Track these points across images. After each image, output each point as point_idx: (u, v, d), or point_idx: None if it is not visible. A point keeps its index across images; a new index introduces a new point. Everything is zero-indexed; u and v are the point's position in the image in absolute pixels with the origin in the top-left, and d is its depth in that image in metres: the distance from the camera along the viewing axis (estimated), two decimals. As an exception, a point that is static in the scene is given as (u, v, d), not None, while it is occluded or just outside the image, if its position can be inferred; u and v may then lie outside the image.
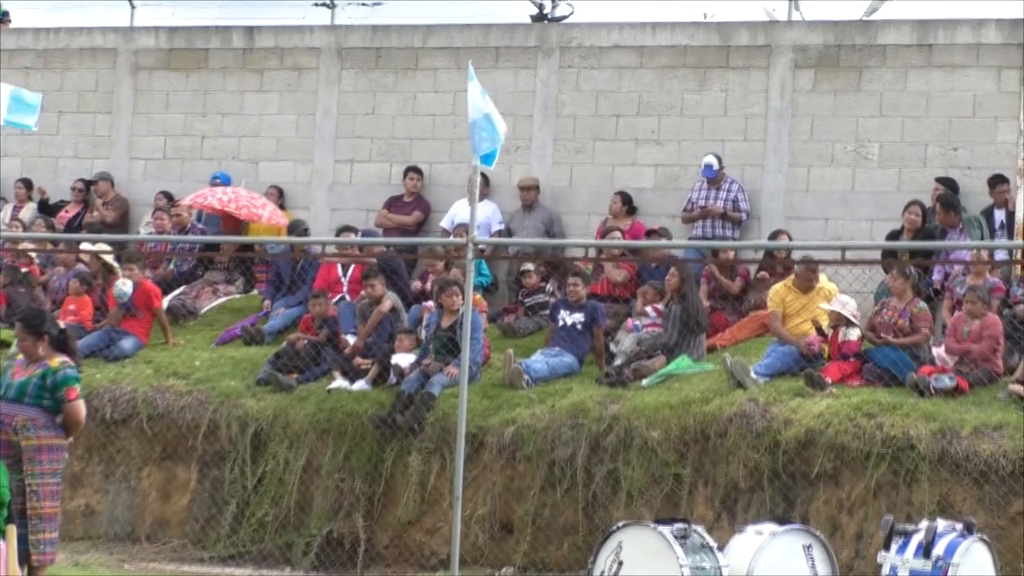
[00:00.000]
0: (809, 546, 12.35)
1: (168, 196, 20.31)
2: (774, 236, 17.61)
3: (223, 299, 19.29)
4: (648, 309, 17.04)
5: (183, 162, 20.86)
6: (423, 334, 16.93)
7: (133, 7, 21.54)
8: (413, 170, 19.61)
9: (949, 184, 17.59)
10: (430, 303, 17.33)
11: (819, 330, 15.84)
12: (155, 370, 17.27)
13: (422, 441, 15.74)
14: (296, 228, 18.95)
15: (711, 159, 18.21)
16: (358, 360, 16.92)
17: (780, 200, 18.44)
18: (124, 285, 17.81)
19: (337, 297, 18.27)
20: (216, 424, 16.51)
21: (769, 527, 12.48)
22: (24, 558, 11.39)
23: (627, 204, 18.70)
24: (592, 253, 18.01)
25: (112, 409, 16.86)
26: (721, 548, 12.28)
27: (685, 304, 16.38)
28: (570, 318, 16.63)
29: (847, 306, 15.68)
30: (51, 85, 21.05)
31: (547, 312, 17.52)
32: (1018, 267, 16.25)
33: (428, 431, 15.75)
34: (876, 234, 17.80)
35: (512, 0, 24.62)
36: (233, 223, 19.45)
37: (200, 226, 19.89)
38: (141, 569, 15.59)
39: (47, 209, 20.99)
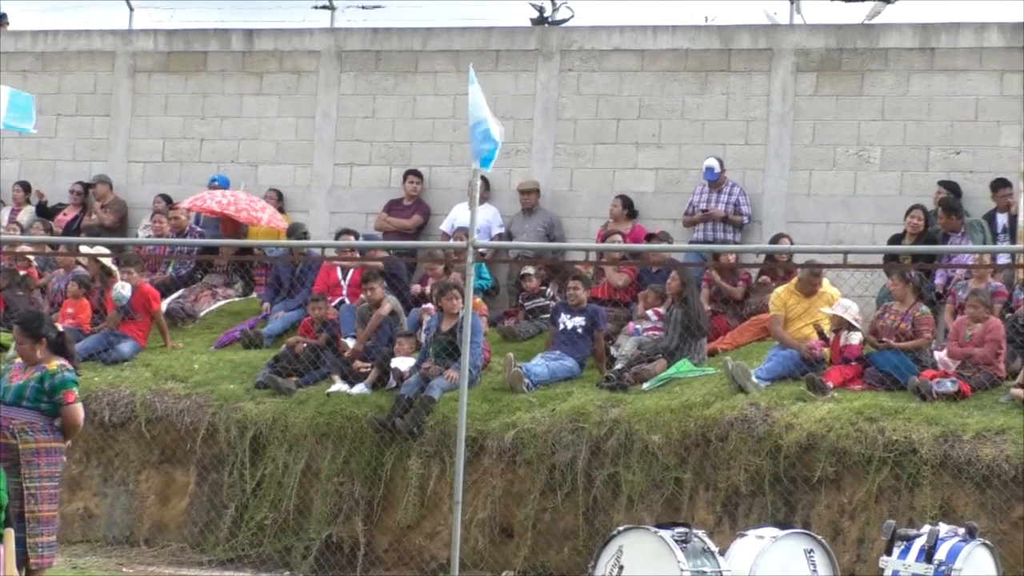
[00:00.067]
0: (811, 551, 12.32)
1: (167, 199, 20.27)
2: (775, 240, 17.58)
3: (222, 302, 19.27)
4: (649, 313, 17.01)
5: (182, 165, 20.82)
6: (423, 337, 16.91)
7: (132, 9, 21.50)
8: (413, 173, 19.58)
9: (951, 188, 17.57)
10: (430, 306, 17.29)
11: (821, 334, 15.81)
12: (154, 373, 17.24)
13: (422, 445, 15.72)
14: (295, 231, 18.92)
15: (712, 162, 18.19)
16: (357, 363, 16.89)
17: (781, 204, 18.41)
18: (122, 288, 17.78)
19: (337, 300, 18.24)
20: (215, 427, 16.48)
21: (770, 531, 12.44)
22: (22, 561, 11.35)
23: (628, 208, 18.67)
24: (593, 257, 17.99)
25: (110, 412, 16.83)
26: (722, 552, 12.27)
27: (686, 308, 16.36)
28: (571, 322, 16.60)
29: (849, 310, 15.65)
30: (49, 88, 21.04)
31: (547, 316, 17.50)
32: (1020, 271, 16.24)
33: (428, 435, 15.73)
34: (878, 238, 17.78)
35: (512, 3, 24.58)
36: (232, 226, 19.41)
37: (199, 229, 19.84)
38: (139, 572, 15.57)
39: (45, 212, 20.95)
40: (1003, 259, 16.74)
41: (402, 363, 16.49)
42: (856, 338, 15.57)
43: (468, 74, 13.96)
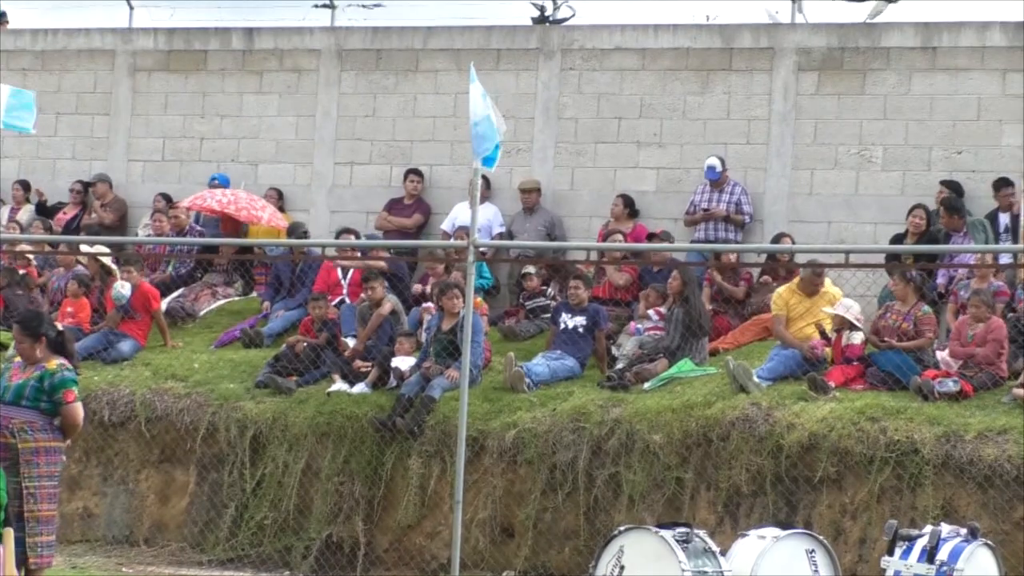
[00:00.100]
0: (812, 551, 12.30)
1: (167, 198, 20.25)
2: (777, 239, 17.57)
3: (222, 301, 19.25)
4: (650, 312, 16.98)
5: (182, 164, 20.80)
6: (423, 337, 16.89)
7: (132, 8, 21.48)
8: (413, 172, 19.56)
9: (953, 187, 17.55)
10: (430, 305, 17.27)
11: (823, 334, 15.79)
12: (153, 372, 17.22)
13: (422, 444, 15.71)
14: (295, 230, 18.90)
15: (714, 161, 18.18)
16: (358, 363, 16.87)
17: (783, 203, 18.39)
18: (122, 287, 17.76)
19: (337, 299, 18.22)
20: (215, 427, 16.47)
21: (772, 531, 12.43)
22: (21, 561, 11.34)
23: (629, 207, 18.65)
24: (594, 256, 17.99)
25: (110, 412, 16.81)
26: (723, 553, 12.25)
27: (687, 307, 16.34)
28: (571, 321, 16.58)
29: (851, 310, 15.63)
30: (49, 86, 21.00)
31: (548, 315, 17.48)
32: (1022, 271, 16.20)
33: (428, 434, 15.71)
34: (880, 237, 17.76)
35: (513, 1, 24.57)
36: (232, 225, 19.38)
37: (199, 228, 19.82)
38: (139, 572, 15.56)
39: (45, 211, 20.93)
40: (1005, 259, 16.72)
41: (402, 362, 16.47)
42: (858, 338, 15.55)
43: (469, 73, 13.93)
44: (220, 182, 20.01)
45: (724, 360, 15.77)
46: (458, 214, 18.86)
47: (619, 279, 17.89)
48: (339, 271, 18.55)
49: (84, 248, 18.13)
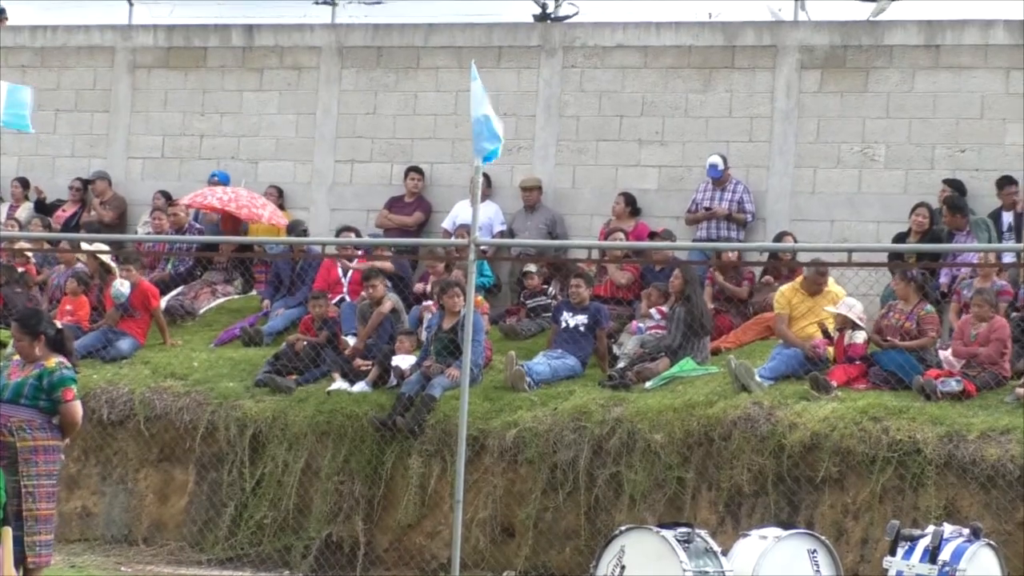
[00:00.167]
0: (814, 551, 12.29)
1: (166, 196, 20.23)
2: (779, 238, 17.52)
3: (222, 299, 19.23)
4: (652, 311, 16.94)
5: (181, 162, 20.78)
6: (424, 335, 16.88)
7: (131, 5, 21.49)
8: (414, 170, 19.53)
9: (956, 186, 17.52)
10: (431, 304, 17.24)
11: (825, 333, 15.75)
12: (153, 371, 17.21)
13: (422, 444, 15.68)
14: (295, 228, 18.88)
15: (716, 159, 18.16)
16: (358, 362, 16.85)
17: (785, 202, 18.37)
18: (122, 285, 17.74)
19: (337, 298, 18.19)
20: (214, 426, 16.44)
21: (773, 532, 12.41)
22: (20, 560, 11.34)
23: (630, 205, 18.63)
24: (595, 254, 17.96)
25: (109, 410, 16.79)
26: (725, 553, 12.24)
27: (689, 306, 16.31)
28: (573, 320, 16.55)
29: (853, 309, 15.60)
30: (48, 83, 20.99)
31: (549, 314, 17.45)
32: (1026, 270, 16.20)
33: (429, 433, 15.69)
34: (882, 236, 17.73)
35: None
36: (232, 223, 19.35)
37: (198, 226, 19.79)
38: (138, 572, 15.54)
39: (44, 208, 20.92)
40: (1008, 258, 16.71)
41: (403, 361, 16.45)
42: (860, 337, 15.52)
43: (470, 70, 13.90)
44: (220, 179, 19.99)
45: (726, 359, 15.75)
46: (459, 212, 18.82)
47: (621, 278, 17.86)
48: (339, 269, 18.51)
49: (83, 246, 18.09)
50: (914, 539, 11.89)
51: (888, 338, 15.47)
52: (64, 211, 20.80)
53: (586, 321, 16.54)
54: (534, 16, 20.45)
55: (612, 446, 15.16)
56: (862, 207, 18.12)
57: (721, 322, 17.19)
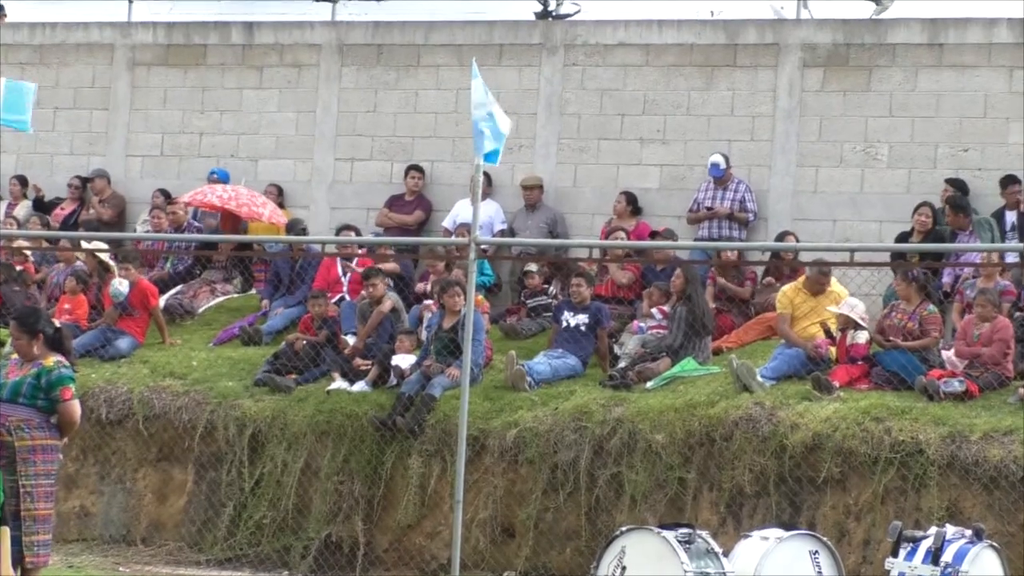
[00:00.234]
0: (816, 552, 12.31)
1: (165, 194, 20.20)
2: (781, 238, 17.48)
3: (221, 298, 19.21)
4: (653, 311, 16.90)
5: (181, 160, 20.75)
6: (424, 335, 16.85)
7: (131, 2, 21.48)
8: (414, 169, 19.50)
9: (958, 186, 17.48)
10: (431, 303, 17.21)
11: (827, 333, 15.72)
12: (151, 370, 17.19)
13: (422, 443, 15.66)
14: (294, 227, 18.85)
15: (718, 158, 18.12)
16: (358, 361, 16.82)
17: (788, 201, 18.33)
18: (120, 284, 17.72)
19: (337, 297, 18.15)
20: (213, 425, 16.42)
21: (775, 532, 12.42)
22: (18, 560, 11.32)
23: (632, 204, 18.60)
24: (596, 254, 17.93)
25: (108, 409, 16.78)
26: (726, 554, 12.27)
27: (691, 306, 16.28)
28: (574, 319, 16.52)
29: (855, 309, 15.58)
30: (47, 80, 20.92)
31: (550, 313, 17.42)
32: (1029, 270, 16.17)
33: (429, 433, 15.67)
34: (885, 236, 17.70)
35: (516, -3, 24.60)
36: (232, 221, 19.31)
37: (196, 224, 19.76)
38: (136, 572, 15.55)
39: (42, 206, 20.90)
40: (1011, 258, 16.67)
41: (403, 361, 16.42)
42: (863, 337, 15.50)
43: (471, 68, 13.86)
44: (219, 177, 19.96)
45: (727, 359, 15.72)
46: (459, 211, 18.79)
47: (622, 277, 17.82)
48: (339, 268, 18.47)
49: (82, 244, 18.06)
50: (916, 540, 11.88)
51: (891, 338, 15.44)
52: (63, 209, 20.77)
53: (587, 321, 16.50)
54: (535, 14, 20.43)
55: (613, 446, 15.13)
56: (864, 207, 18.08)
57: (723, 322, 17.16)
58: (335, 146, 20.10)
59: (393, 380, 16.39)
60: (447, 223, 19.05)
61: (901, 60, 18.11)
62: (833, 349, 15.70)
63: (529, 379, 15.96)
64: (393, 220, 19.34)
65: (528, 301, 18.03)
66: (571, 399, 15.67)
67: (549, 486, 15.29)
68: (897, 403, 14.69)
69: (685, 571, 11.73)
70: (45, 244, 19.32)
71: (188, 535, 16.32)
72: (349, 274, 18.39)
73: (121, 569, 15.56)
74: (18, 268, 18.91)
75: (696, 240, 18.09)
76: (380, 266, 17.78)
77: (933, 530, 11.91)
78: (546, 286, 18.09)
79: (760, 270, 17.60)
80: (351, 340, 17.22)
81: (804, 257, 16.74)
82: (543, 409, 15.59)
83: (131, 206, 20.76)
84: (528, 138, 19.26)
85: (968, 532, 11.92)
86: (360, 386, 16.48)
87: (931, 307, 15.59)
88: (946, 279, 16.91)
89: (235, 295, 19.36)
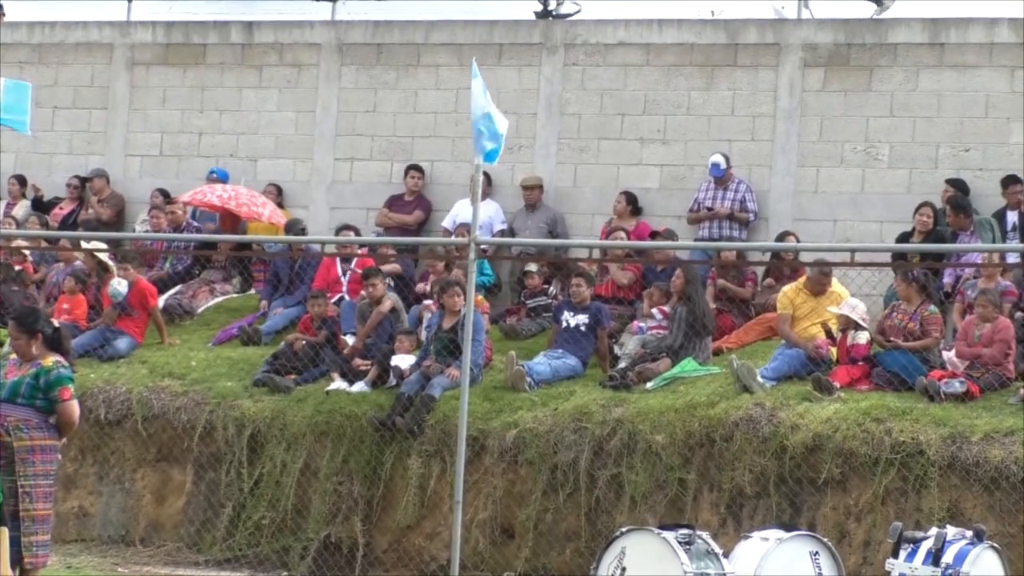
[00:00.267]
0: (816, 553, 12.29)
1: (164, 194, 20.18)
2: (781, 238, 17.46)
3: (220, 298, 19.20)
4: (654, 311, 16.88)
5: (180, 159, 20.74)
6: (423, 335, 16.84)
7: (130, 1, 21.42)
8: (414, 168, 19.48)
9: (958, 186, 17.46)
10: (431, 303, 17.19)
11: (828, 333, 15.70)
12: (150, 370, 17.18)
13: (422, 444, 15.65)
14: (293, 227, 18.82)
15: (718, 158, 18.11)
16: (357, 361, 16.80)
17: (788, 201, 18.32)
18: (119, 284, 17.70)
19: (336, 297, 18.14)
20: (212, 425, 16.41)
21: (775, 533, 12.40)
22: (16, 560, 11.34)
23: (632, 204, 18.58)
24: (596, 254, 17.91)
25: (106, 410, 16.77)
26: (726, 554, 12.26)
27: (691, 306, 16.26)
28: (574, 320, 16.50)
29: (856, 309, 15.56)
30: (46, 80, 20.95)
31: (550, 314, 17.40)
32: (1030, 270, 16.15)
33: (428, 434, 15.65)
34: (886, 236, 17.69)
35: (516, -3, 24.59)
36: (231, 221, 19.29)
37: (195, 224, 19.74)
38: (135, 572, 15.53)
39: (41, 206, 20.88)
40: (1012, 258, 16.65)
41: (402, 361, 16.40)
42: (863, 338, 15.48)
43: (471, 68, 13.83)
44: (219, 176, 19.93)
45: (728, 360, 15.70)
46: (459, 211, 18.77)
47: (622, 277, 17.80)
48: (339, 268, 18.46)
49: (81, 244, 18.04)
50: (917, 541, 11.84)
51: (891, 339, 15.42)
52: (62, 209, 20.75)
53: (587, 321, 16.48)
54: (536, 13, 20.40)
55: (613, 447, 15.12)
56: (865, 207, 18.06)
57: (723, 322, 17.14)
58: (335, 146, 20.08)
59: (392, 380, 16.37)
60: (447, 223, 19.03)
61: (902, 60, 18.09)
62: (834, 350, 15.68)
63: (529, 379, 15.94)
64: (393, 220, 19.32)
65: (528, 301, 18.01)
66: (571, 399, 15.65)
67: (549, 487, 15.27)
68: (898, 404, 14.67)
69: (685, 572, 11.72)
70: (44, 244, 19.30)
71: (187, 536, 16.31)
72: (348, 274, 18.37)
73: (120, 570, 15.54)
74: (17, 268, 18.90)
75: (696, 240, 18.07)
76: (380, 266, 17.76)
77: (934, 531, 11.86)
78: (546, 286, 18.07)
79: (760, 270, 17.59)
80: (350, 340, 17.20)
81: (805, 257, 16.72)
82: (543, 410, 15.57)
83: (130, 206, 20.75)
84: (528, 138, 19.25)
85: (969, 533, 11.87)
86: (359, 386, 16.46)
87: (932, 308, 15.56)
88: (947, 279, 16.89)
89: (234, 295, 19.35)
